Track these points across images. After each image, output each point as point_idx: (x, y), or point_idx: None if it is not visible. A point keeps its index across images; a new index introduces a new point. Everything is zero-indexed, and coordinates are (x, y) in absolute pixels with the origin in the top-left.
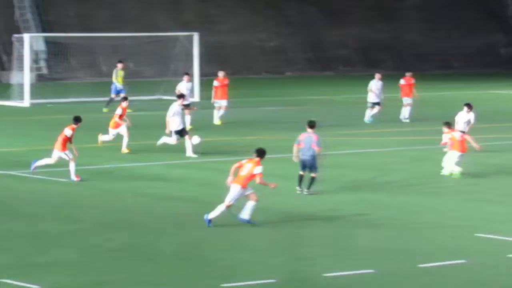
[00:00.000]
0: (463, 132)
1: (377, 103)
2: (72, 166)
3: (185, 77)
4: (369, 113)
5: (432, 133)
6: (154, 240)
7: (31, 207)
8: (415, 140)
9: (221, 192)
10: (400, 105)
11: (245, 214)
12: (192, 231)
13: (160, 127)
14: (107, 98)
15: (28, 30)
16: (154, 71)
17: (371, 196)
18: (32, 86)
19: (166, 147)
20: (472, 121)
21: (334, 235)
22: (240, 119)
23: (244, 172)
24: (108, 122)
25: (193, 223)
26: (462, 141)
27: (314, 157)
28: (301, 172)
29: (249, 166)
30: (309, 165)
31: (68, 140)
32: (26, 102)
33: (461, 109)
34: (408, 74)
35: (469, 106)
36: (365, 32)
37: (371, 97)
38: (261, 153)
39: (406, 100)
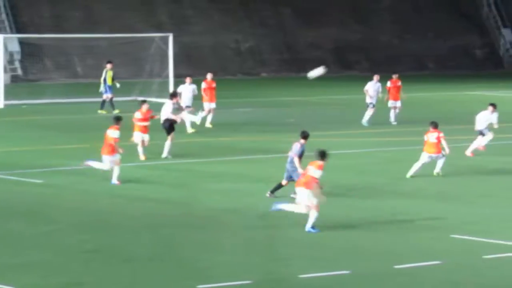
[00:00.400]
0: (482, 133)
1: (372, 105)
2: (116, 170)
3: (187, 79)
4: (368, 114)
5: (407, 134)
6: (130, 241)
7: (5, 208)
8: (390, 142)
9: (197, 193)
10: (379, 107)
11: (309, 225)
12: (168, 232)
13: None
14: (80, 100)
15: (2, 31)
16: (129, 72)
17: (346, 197)
18: (7, 87)
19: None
20: (494, 121)
21: (310, 236)
22: (215, 120)
23: (307, 174)
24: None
25: (169, 225)
26: (437, 143)
27: (292, 166)
28: (283, 182)
29: (311, 169)
30: (289, 172)
31: (116, 142)
32: (0, 103)
33: (484, 109)
34: (394, 76)
35: (494, 106)
36: (340, 33)
37: (369, 99)
38: (322, 155)
39: (393, 103)
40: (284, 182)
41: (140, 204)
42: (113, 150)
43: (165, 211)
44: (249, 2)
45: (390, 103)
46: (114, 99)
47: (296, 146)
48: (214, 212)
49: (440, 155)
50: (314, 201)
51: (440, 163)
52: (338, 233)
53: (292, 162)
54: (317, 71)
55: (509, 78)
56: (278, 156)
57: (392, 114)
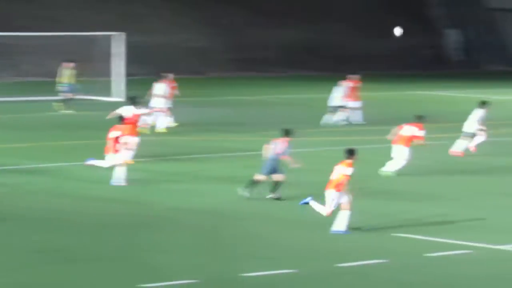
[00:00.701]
0: (482, 130)
1: (342, 107)
2: (120, 171)
3: (163, 81)
4: (335, 117)
5: (362, 133)
6: (82, 241)
7: None
8: (348, 141)
9: (155, 193)
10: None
11: (341, 226)
12: (122, 232)
13: (84, 127)
14: (28, 98)
15: None
16: (78, 70)
17: (294, 196)
18: None
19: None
20: (483, 119)
21: (256, 235)
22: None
23: (335, 175)
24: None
25: (123, 224)
26: (408, 139)
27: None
28: (260, 177)
29: (341, 168)
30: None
31: (117, 141)
32: None
33: (476, 108)
34: (353, 76)
35: (486, 104)
36: (290, 33)
37: (336, 102)
38: (351, 153)
39: (353, 104)
40: (261, 177)
41: (96, 204)
42: (115, 149)
43: (120, 210)
44: (200, 1)
45: (350, 104)
46: (62, 98)
47: (283, 145)
48: (170, 212)
49: (405, 153)
50: (344, 200)
51: (396, 163)
52: (285, 231)
53: (273, 159)
54: (399, 30)
55: (456, 78)
56: (235, 155)
57: (358, 115)
